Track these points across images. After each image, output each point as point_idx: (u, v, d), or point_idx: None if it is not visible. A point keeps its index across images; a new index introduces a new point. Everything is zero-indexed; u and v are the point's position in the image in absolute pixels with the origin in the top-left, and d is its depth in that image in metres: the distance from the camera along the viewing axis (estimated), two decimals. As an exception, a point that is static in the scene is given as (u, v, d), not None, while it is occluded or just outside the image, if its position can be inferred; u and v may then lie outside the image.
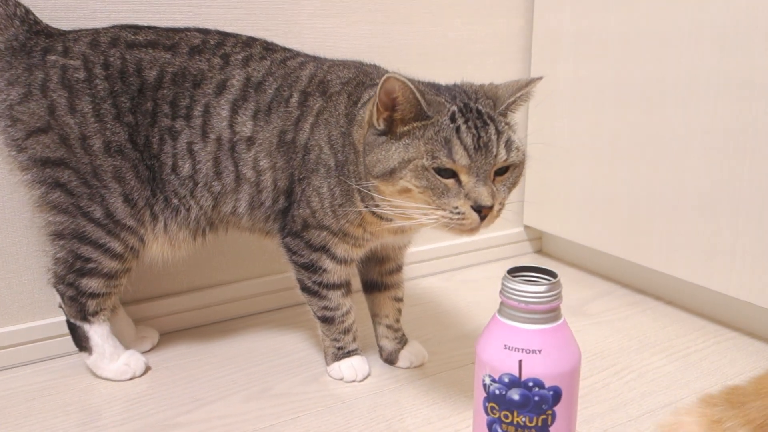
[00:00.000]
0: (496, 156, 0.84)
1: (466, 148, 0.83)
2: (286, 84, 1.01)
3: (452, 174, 0.84)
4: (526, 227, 1.64)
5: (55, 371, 1.11)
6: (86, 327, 1.05)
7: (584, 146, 1.42)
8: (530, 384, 0.73)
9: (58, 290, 1.05)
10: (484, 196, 0.83)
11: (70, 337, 1.07)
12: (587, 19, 1.37)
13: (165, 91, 0.99)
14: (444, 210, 0.84)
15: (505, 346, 0.74)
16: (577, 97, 1.42)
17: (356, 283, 1.13)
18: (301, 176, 0.99)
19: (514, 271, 0.77)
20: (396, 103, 0.85)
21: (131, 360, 1.07)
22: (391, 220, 0.95)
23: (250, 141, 1.00)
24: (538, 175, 1.55)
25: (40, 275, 1.12)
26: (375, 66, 1.05)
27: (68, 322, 1.06)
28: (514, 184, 0.89)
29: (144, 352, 1.13)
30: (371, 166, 0.88)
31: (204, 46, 1.02)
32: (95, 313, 1.05)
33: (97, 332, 1.05)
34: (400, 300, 1.13)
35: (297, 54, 1.06)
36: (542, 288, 0.73)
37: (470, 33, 1.45)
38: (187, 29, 1.04)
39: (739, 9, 1.11)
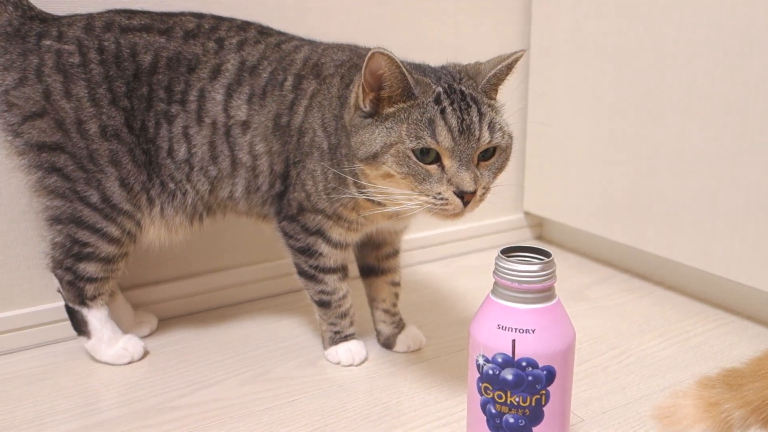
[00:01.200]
0: (479, 139, 0.83)
1: (450, 130, 0.81)
2: (280, 67, 1.00)
3: (435, 158, 0.82)
4: (526, 213, 1.63)
5: (54, 356, 1.11)
6: (84, 311, 1.05)
7: (584, 131, 1.41)
8: (524, 364, 0.73)
9: (56, 275, 1.05)
10: (466, 182, 0.81)
11: (68, 323, 1.08)
12: (584, 23, 1.36)
13: (160, 76, 0.99)
14: (427, 196, 0.82)
15: (498, 325, 0.73)
16: (576, 82, 1.41)
17: (354, 269, 1.13)
18: (296, 159, 0.99)
19: (507, 251, 0.77)
20: (382, 81, 0.83)
21: (129, 344, 1.08)
22: (384, 204, 0.95)
23: (245, 125, 1.00)
24: (537, 161, 1.54)
25: (38, 260, 1.13)
26: (368, 49, 1.04)
27: (67, 307, 1.07)
28: (499, 169, 0.87)
29: (142, 337, 1.13)
30: (356, 149, 0.87)
31: (198, 30, 1.02)
32: (93, 298, 1.05)
33: (95, 316, 1.05)
34: (397, 284, 1.13)
35: (292, 38, 1.06)
36: (535, 267, 0.73)
37: (468, 35, 1.44)
38: (182, 13, 1.04)
39: (737, 11, 1.10)
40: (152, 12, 1.04)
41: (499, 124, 0.85)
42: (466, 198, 0.82)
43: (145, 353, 1.10)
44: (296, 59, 1.01)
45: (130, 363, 1.07)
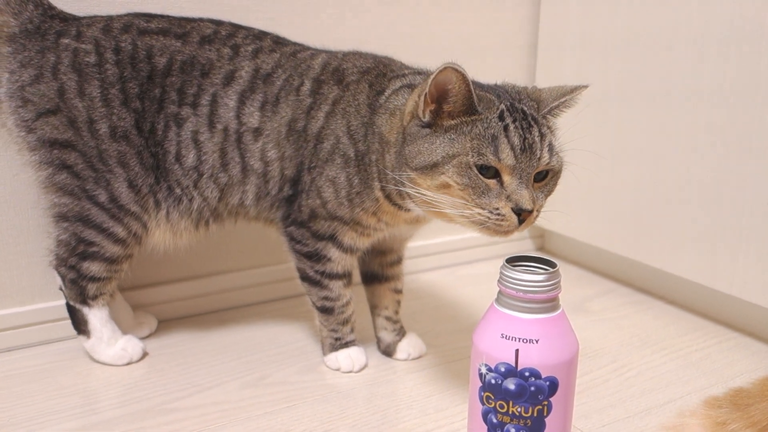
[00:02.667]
0: (539, 159, 0.83)
1: (513, 148, 0.81)
2: (296, 73, 1.01)
3: (494, 173, 0.82)
4: (529, 224, 1.63)
5: (53, 354, 1.11)
6: (85, 310, 1.05)
7: (587, 144, 1.41)
8: (526, 374, 0.72)
9: (59, 273, 1.05)
10: (525, 200, 0.81)
11: (68, 321, 1.08)
12: (592, 18, 1.36)
13: (173, 79, 0.99)
14: (483, 209, 0.82)
15: (501, 335, 0.73)
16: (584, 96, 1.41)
17: (355, 276, 1.13)
18: (312, 165, 0.98)
19: (512, 261, 0.77)
20: (447, 96, 0.83)
21: (129, 345, 1.07)
22: (409, 210, 0.95)
23: (258, 132, 1.00)
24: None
25: (39, 259, 1.12)
26: (389, 58, 1.04)
27: (68, 305, 1.06)
28: (550, 192, 0.87)
29: (142, 338, 1.13)
30: (411, 158, 0.86)
31: (215, 36, 1.02)
32: (95, 297, 1.05)
33: (96, 316, 1.05)
34: (399, 292, 1.13)
35: (307, 47, 1.06)
36: (540, 277, 0.72)
37: (476, 29, 1.45)
38: (201, 19, 1.05)
39: (744, 8, 1.10)
40: (171, 17, 1.04)
41: (556, 148, 0.86)
42: (522, 216, 0.82)
43: (144, 354, 1.10)
44: (313, 65, 1.01)
45: (128, 364, 1.07)
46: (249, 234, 1.29)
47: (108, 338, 1.06)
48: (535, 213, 0.83)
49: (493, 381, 0.74)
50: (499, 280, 0.75)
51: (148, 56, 0.99)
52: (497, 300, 0.76)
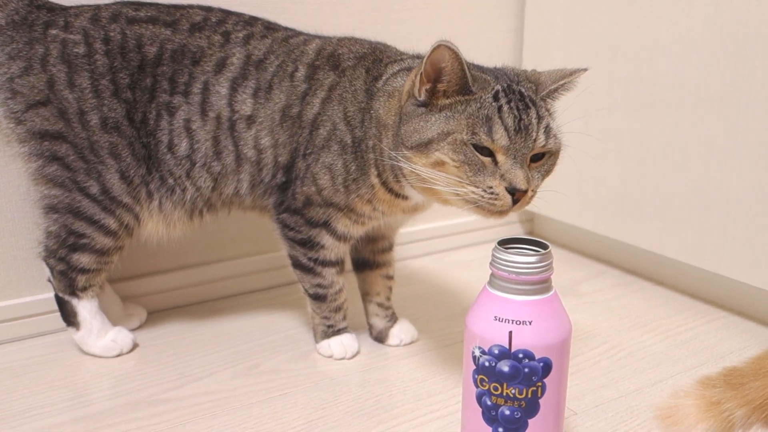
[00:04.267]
0: (535, 140, 0.83)
1: (506, 129, 0.81)
2: (289, 59, 1.00)
3: (489, 153, 0.82)
4: (518, 209, 1.63)
5: (42, 348, 1.10)
6: (75, 302, 1.04)
7: (575, 127, 1.41)
8: (520, 355, 0.72)
9: (48, 264, 1.04)
10: (520, 179, 0.81)
11: (57, 314, 1.07)
12: (577, 13, 1.36)
13: (164, 68, 0.98)
14: (477, 187, 0.82)
15: (495, 317, 0.73)
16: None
17: (347, 263, 1.12)
18: (307, 152, 0.98)
19: (504, 243, 0.77)
20: (441, 74, 0.83)
21: (118, 337, 1.06)
22: (407, 198, 0.95)
23: (251, 119, 0.99)
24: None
25: (26, 251, 1.11)
26: (385, 44, 1.04)
27: (56, 297, 1.05)
28: (548, 172, 0.87)
29: (132, 330, 1.12)
30: (407, 137, 0.86)
31: (205, 23, 1.01)
32: (84, 289, 1.04)
33: (85, 308, 1.04)
34: (391, 278, 1.12)
35: (300, 33, 1.05)
36: (533, 259, 0.72)
37: (461, 30, 1.44)
38: (190, 6, 1.03)
39: (731, 12, 1.11)
40: (160, 4, 1.03)
41: (554, 130, 0.86)
42: (516, 196, 0.82)
43: (135, 346, 1.09)
44: (307, 50, 1.00)
45: (119, 355, 1.06)
46: (238, 223, 1.29)
47: (98, 330, 1.05)
48: (530, 193, 0.83)
49: (486, 363, 0.74)
50: (491, 263, 0.75)
51: (138, 45, 0.98)
52: (490, 282, 0.76)
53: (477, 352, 0.74)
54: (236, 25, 1.02)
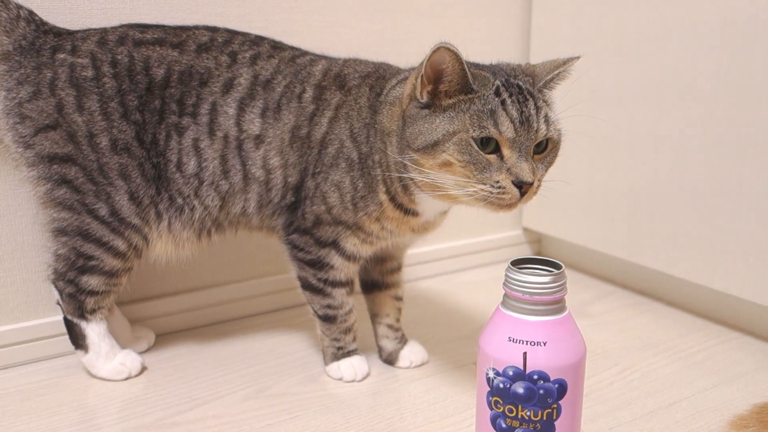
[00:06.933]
0: (537, 131, 0.84)
1: (512, 121, 0.83)
2: (296, 80, 1.00)
3: (495, 148, 0.83)
4: (525, 229, 1.63)
5: (51, 371, 1.09)
6: (83, 325, 1.03)
7: (583, 147, 1.41)
8: (535, 377, 0.72)
9: (57, 287, 1.04)
10: (525, 172, 0.83)
11: (65, 337, 1.06)
12: (584, 18, 1.37)
13: (172, 90, 0.99)
14: (485, 184, 0.83)
15: (509, 338, 0.72)
16: (575, 97, 1.41)
17: (355, 284, 1.12)
18: (317, 171, 0.98)
19: (517, 263, 0.76)
20: (442, 75, 0.84)
21: (127, 359, 1.06)
22: (417, 214, 0.96)
23: (259, 139, 0.99)
24: (537, 177, 1.54)
25: (36, 274, 1.11)
26: (388, 64, 1.05)
27: (65, 320, 1.05)
28: (551, 163, 0.89)
29: (140, 353, 1.11)
30: (412, 139, 0.87)
31: (212, 43, 1.01)
32: (93, 311, 1.03)
33: (94, 330, 1.04)
34: (400, 299, 1.12)
35: (306, 52, 1.06)
36: (546, 279, 0.72)
37: (468, 35, 1.45)
38: (196, 27, 1.04)
39: (738, 7, 1.11)
40: (166, 26, 1.04)
41: (553, 119, 0.88)
42: (523, 189, 0.83)
43: (143, 369, 1.08)
44: (314, 71, 1.01)
45: (127, 378, 1.05)
46: (245, 245, 1.28)
47: (106, 353, 1.04)
48: (535, 184, 0.85)
49: (501, 385, 0.73)
50: (504, 283, 0.74)
51: (146, 68, 0.99)
52: (503, 303, 0.75)
53: (491, 374, 0.74)
54: (243, 45, 1.02)
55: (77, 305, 1.02)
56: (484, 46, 1.47)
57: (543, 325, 0.72)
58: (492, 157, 0.83)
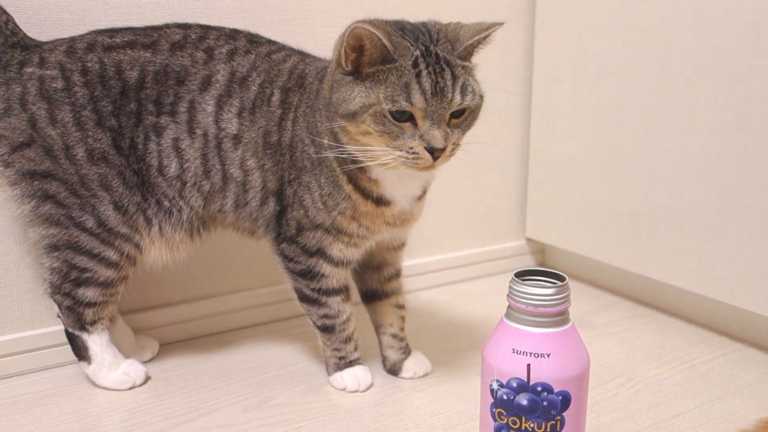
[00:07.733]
0: (451, 101, 0.87)
1: (423, 93, 0.86)
2: (268, 80, 1.01)
3: (410, 116, 0.87)
4: (529, 240, 1.63)
5: (54, 380, 1.09)
6: (84, 336, 1.04)
7: (586, 157, 1.42)
8: (539, 389, 0.72)
9: (54, 300, 1.04)
10: (437, 139, 0.86)
11: (69, 346, 1.06)
12: (588, 38, 1.37)
13: (148, 91, 0.98)
14: (400, 151, 0.87)
15: (513, 350, 0.72)
16: (578, 108, 1.42)
17: (355, 295, 1.11)
18: (292, 177, 0.99)
19: (521, 275, 0.76)
20: (363, 49, 0.87)
21: (131, 369, 1.06)
22: (389, 203, 0.97)
23: (237, 139, 1.00)
24: (539, 187, 1.54)
25: (38, 284, 1.11)
26: None
27: (67, 332, 1.05)
28: (468, 127, 0.92)
29: (144, 362, 1.11)
30: (338, 105, 0.90)
31: (185, 41, 1.01)
32: (93, 322, 1.03)
33: (95, 341, 1.04)
34: (402, 307, 1.12)
35: (282, 47, 1.06)
36: (550, 291, 0.72)
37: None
38: (167, 26, 1.03)
39: (740, 23, 1.11)
40: (136, 28, 1.02)
41: (471, 87, 0.90)
42: (436, 154, 0.87)
43: (147, 378, 1.08)
44: (283, 70, 1.02)
45: (131, 388, 1.05)
46: (248, 254, 1.29)
47: (109, 363, 1.05)
48: (449, 149, 0.89)
49: (505, 396, 0.73)
50: (508, 295, 0.74)
51: (118, 72, 0.98)
52: (507, 315, 0.75)
53: (495, 385, 0.74)
54: (218, 40, 1.02)
55: (76, 317, 1.03)
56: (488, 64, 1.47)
57: (547, 336, 0.72)
58: (406, 125, 0.87)
